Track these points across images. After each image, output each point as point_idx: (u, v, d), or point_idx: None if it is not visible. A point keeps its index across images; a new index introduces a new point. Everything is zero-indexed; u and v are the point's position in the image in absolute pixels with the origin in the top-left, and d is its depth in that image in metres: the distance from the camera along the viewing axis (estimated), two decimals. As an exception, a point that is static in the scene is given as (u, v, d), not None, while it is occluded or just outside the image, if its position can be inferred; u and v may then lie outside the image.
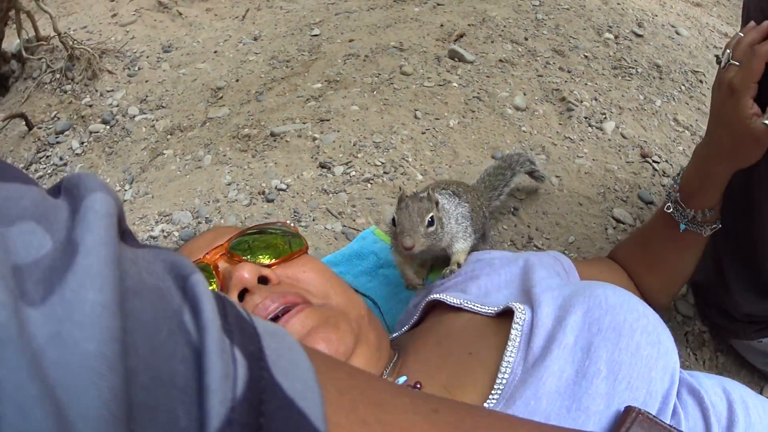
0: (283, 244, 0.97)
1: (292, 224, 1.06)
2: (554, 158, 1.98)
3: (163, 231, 1.81)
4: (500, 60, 2.37)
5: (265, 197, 1.82)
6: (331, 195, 1.81)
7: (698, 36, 2.81)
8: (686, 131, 2.16)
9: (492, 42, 2.46)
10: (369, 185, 1.83)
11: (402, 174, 1.85)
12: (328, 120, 2.05)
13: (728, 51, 1.10)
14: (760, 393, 1.49)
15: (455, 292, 1.08)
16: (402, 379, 0.91)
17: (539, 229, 1.74)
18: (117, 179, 2.03)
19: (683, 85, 2.42)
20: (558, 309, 0.87)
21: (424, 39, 2.49)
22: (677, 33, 2.77)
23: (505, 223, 1.76)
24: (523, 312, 0.89)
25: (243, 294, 0.86)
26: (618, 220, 1.80)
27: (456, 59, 2.35)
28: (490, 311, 0.96)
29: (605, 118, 2.16)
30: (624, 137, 2.10)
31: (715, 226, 1.22)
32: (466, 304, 1.00)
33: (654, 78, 2.42)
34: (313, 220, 1.75)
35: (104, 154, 2.13)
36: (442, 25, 2.58)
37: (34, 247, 0.29)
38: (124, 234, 0.35)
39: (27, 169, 2.20)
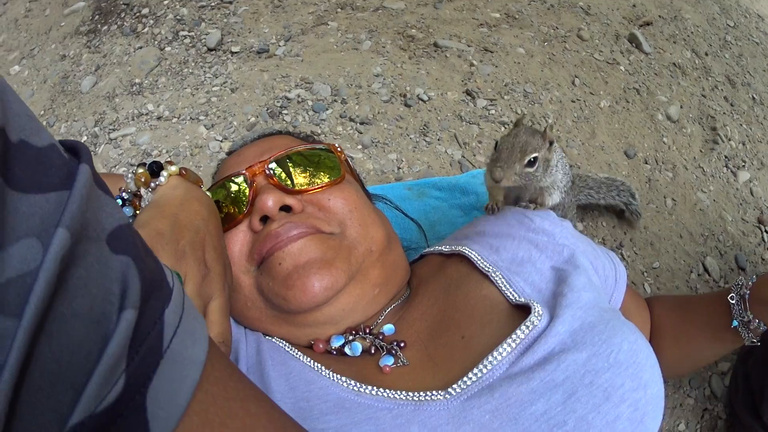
0: (322, 171, 0.93)
1: (340, 148, 1.00)
2: (679, 181, 1.83)
3: (298, 96, 1.78)
4: (674, 63, 2.17)
5: (404, 100, 1.76)
6: (464, 123, 1.73)
7: None
8: None
9: (674, 42, 2.26)
10: (502, 128, 1.74)
11: (537, 131, 1.75)
12: (492, 52, 1.94)
13: None
14: None
15: (489, 247, 0.94)
16: (389, 329, 0.85)
17: (633, 240, 1.63)
18: (275, 32, 2.00)
19: None
20: (570, 335, 0.74)
21: (613, 12, 2.30)
22: None
23: (605, 220, 1.65)
24: (539, 317, 0.76)
25: (266, 218, 0.85)
26: (706, 269, 1.66)
27: (633, 44, 2.17)
28: (511, 297, 0.83)
29: (744, 166, 1.97)
30: (752, 194, 1.92)
31: (756, 341, 1.07)
32: (494, 275, 0.87)
33: (807, 151, 2.19)
34: (438, 139, 1.69)
35: (271, 5, 2.09)
36: (634, 5, 2.37)
37: (27, 261, 0.30)
38: (111, 235, 0.36)
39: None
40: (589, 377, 0.70)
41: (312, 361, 0.78)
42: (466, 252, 0.93)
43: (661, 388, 0.76)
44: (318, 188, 0.90)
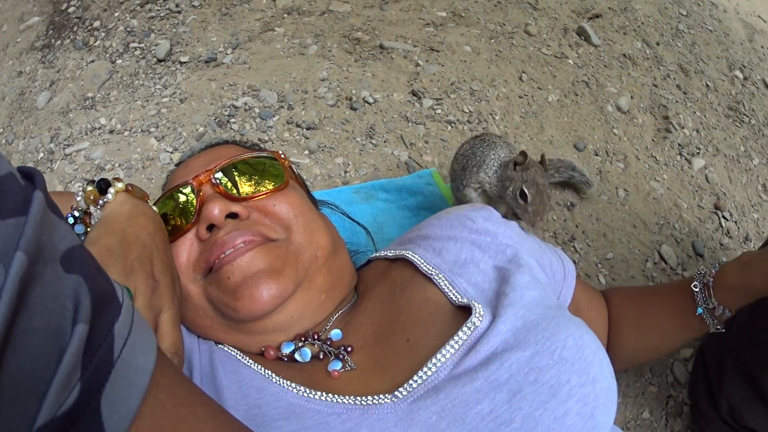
0: (267, 178, 0.94)
1: (283, 155, 1.02)
2: (631, 171, 1.82)
3: (246, 104, 1.76)
4: (624, 54, 2.17)
5: (350, 104, 1.74)
6: (411, 124, 1.71)
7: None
8: None
9: (624, 33, 2.25)
10: (449, 127, 1.72)
11: (483, 129, 1.73)
12: (438, 51, 1.92)
13: None
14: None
15: (432, 249, 0.94)
16: (337, 335, 0.86)
17: (585, 233, 1.61)
18: (222, 40, 1.97)
19: None
20: (513, 333, 0.74)
21: (561, 6, 2.29)
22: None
23: (556, 215, 1.63)
24: (481, 318, 0.76)
25: (212, 226, 0.86)
26: (662, 258, 1.65)
27: (582, 37, 2.16)
28: (454, 298, 0.83)
29: (698, 153, 1.96)
30: (707, 180, 1.91)
31: (721, 327, 1.08)
32: (437, 277, 0.87)
33: (763, 135, 2.17)
34: (385, 141, 1.67)
35: (219, 13, 2.07)
36: (583, -1, 2.37)
37: None
38: (64, 256, 0.38)
39: (142, 8, 2.16)
40: (533, 375, 0.70)
41: (263, 368, 0.79)
42: (409, 256, 0.93)
43: (612, 382, 0.76)
44: (263, 195, 0.91)
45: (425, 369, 0.72)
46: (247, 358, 0.82)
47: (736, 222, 1.85)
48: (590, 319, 1.13)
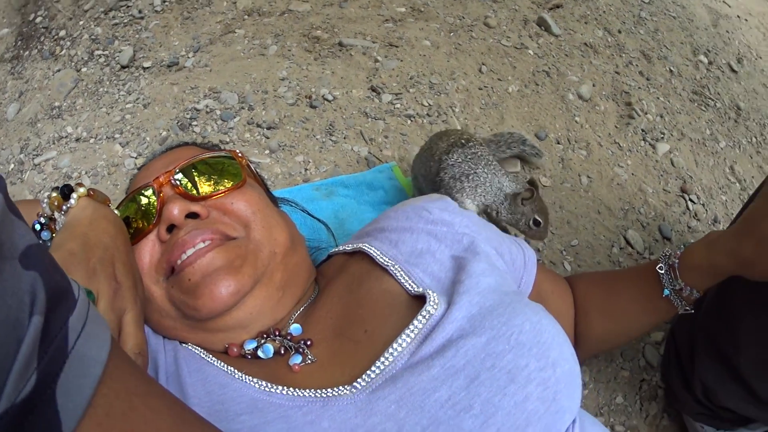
0: (226, 177, 0.95)
1: (240, 154, 1.03)
2: (594, 158, 1.82)
3: (207, 106, 1.76)
4: (585, 43, 2.17)
5: (310, 102, 1.75)
6: (370, 119, 1.72)
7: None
8: (737, 183, 1.94)
9: (585, 23, 2.26)
10: (408, 122, 1.73)
11: (443, 122, 1.74)
12: (397, 46, 1.92)
13: None
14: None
15: (389, 242, 0.96)
16: (296, 329, 0.87)
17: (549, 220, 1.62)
18: (185, 44, 1.97)
19: (756, 136, 2.18)
20: (468, 320, 0.75)
21: (521, -3, 2.30)
22: (775, 84, 2.49)
23: (517, 204, 1.64)
24: (436, 306, 0.78)
25: (173, 226, 0.87)
26: (628, 242, 1.65)
27: (542, 28, 2.16)
28: (410, 288, 0.84)
29: (662, 138, 1.97)
30: (672, 164, 1.91)
31: (689, 308, 1.08)
32: (393, 268, 0.88)
33: (729, 118, 2.18)
34: (345, 137, 1.67)
35: (181, 17, 2.07)
36: (544, -10, 2.37)
37: None
38: (23, 254, 0.40)
39: (106, 15, 2.16)
40: (490, 360, 0.70)
41: (226, 365, 0.80)
42: (366, 248, 0.94)
43: (574, 366, 0.76)
44: (221, 193, 0.92)
45: (382, 359, 0.73)
46: (211, 356, 0.83)
47: (703, 204, 1.86)
48: (555, 305, 1.14)
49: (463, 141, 1.26)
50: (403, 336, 0.74)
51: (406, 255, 0.91)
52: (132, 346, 0.74)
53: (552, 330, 0.76)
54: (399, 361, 0.73)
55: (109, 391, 0.44)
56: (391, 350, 0.73)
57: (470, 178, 1.23)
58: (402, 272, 0.87)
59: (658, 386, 1.44)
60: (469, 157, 1.24)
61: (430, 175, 1.28)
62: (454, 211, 1.01)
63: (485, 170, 1.23)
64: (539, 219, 1.22)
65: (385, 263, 0.89)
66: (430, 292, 0.80)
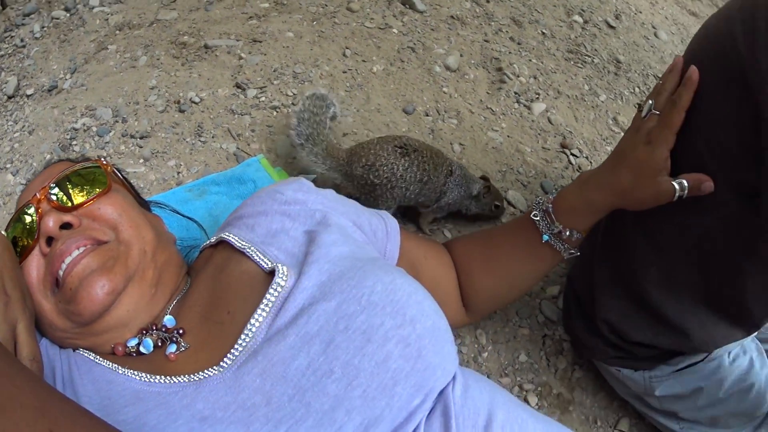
0: (96, 186, 0.99)
1: (105, 161, 1.07)
2: (466, 126, 1.88)
3: (84, 125, 1.80)
4: (452, 16, 2.23)
5: (179, 107, 1.80)
6: (236, 116, 1.77)
7: (679, 44, 2.57)
8: (622, 133, 2.00)
9: (452, -5, 2.31)
10: (274, 113, 1.78)
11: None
12: (260, 42, 1.97)
13: (650, 102, 0.99)
14: (615, 426, 1.40)
15: (246, 227, 1.01)
16: (170, 321, 0.91)
17: (419, 191, 1.68)
18: (63, 67, 2.00)
19: (639, 87, 2.25)
20: (318, 287, 0.79)
21: (385, -21, 2.35)
22: (656, 35, 2.56)
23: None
24: (285, 278, 0.82)
25: (51, 239, 0.90)
26: (510, 203, 1.71)
27: (407, 6, 2.21)
28: (265, 266, 0.89)
29: (537, 98, 2.03)
30: (550, 122, 1.98)
31: (574, 252, 1.13)
32: (249, 250, 0.94)
33: (609, 72, 2.25)
34: (213, 137, 1.73)
35: (58, 41, 2.09)
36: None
37: None
38: None
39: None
40: (343, 323, 0.74)
41: (112, 363, 0.84)
42: (225, 237, 0.99)
43: (438, 321, 0.80)
44: (90, 201, 0.95)
45: (243, 336, 0.77)
46: (99, 357, 0.87)
47: (587, 157, 1.92)
48: (432, 270, 1.19)
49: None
50: (259, 311, 0.79)
51: (261, 236, 0.96)
52: (26, 354, 0.78)
53: (408, 288, 0.80)
54: (258, 336, 0.77)
55: None
56: (249, 326, 0.78)
57: (454, 203, 1.58)
58: (258, 253, 0.92)
59: (563, 340, 1.49)
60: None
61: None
62: (309, 190, 1.06)
63: (450, 183, 1.53)
64: (498, 203, 1.61)
65: (243, 247, 0.94)
66: (279, 266, 0.84)
